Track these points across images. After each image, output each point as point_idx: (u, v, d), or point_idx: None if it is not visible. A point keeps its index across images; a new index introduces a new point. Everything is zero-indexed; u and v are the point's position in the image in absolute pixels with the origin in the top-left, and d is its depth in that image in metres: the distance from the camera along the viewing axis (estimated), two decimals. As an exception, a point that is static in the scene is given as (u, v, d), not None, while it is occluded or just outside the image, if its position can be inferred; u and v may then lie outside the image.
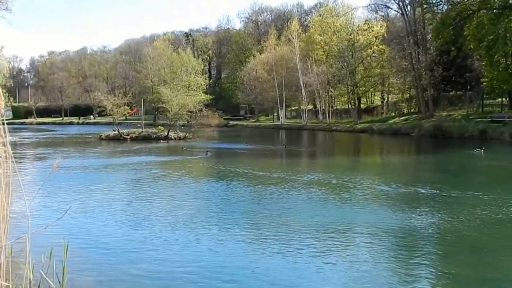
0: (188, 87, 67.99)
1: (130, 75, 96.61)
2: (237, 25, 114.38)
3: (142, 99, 65.86)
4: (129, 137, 41.76)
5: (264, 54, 77.13)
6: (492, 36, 42.00)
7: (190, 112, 43.55)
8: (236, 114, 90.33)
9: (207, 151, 28.39)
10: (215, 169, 20.94)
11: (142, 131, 43.61)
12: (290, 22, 75.59)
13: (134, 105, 74.42)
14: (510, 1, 42.25)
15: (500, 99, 47.99)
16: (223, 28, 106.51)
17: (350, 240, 9.25)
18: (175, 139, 41.56)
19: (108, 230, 10.03)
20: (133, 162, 23.57)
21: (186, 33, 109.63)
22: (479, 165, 23.40)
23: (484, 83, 44.91)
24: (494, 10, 41.62)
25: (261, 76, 76.32)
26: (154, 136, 42.36)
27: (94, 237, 9.53)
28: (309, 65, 64.61)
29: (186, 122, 46.01)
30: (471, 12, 42.73)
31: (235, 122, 78.83)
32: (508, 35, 42.27)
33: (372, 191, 14.60)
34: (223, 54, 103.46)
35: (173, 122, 44.02)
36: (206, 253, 8.38)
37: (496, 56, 43.90)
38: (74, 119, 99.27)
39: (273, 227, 10.08)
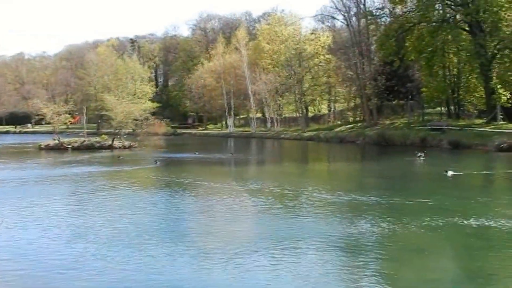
0: (134, 94, 66.54)
1: (72, 82, 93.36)
2: (185, 32, 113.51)
3: (85, 107, 63.71)
4: (70, 146, 40.05)
5: (212, 61, 76.82)
6: (431, 48, 43.77)
7: (136, 120, 42.50)
8: (184, 123, 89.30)
9: (156, 161, 27.69)
10: (163, 180, 20.44)
11: (85, 140, 42.07)
12: (238, 30, 75.71)
13: (76, 113, 71.96)
14: (448, 15, 44.19)
15: (439, 108, 49.97)
16: (170, 35, 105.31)
17: (296, 250, 9.14)
18: (120, 148, 40.42)
19: (40, 246, 9.46)
20: (74, 173, 22.65)
21: (131, 39, 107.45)
22: (420, 171, 24.10)
23: (424, 93, 46.70)
24: (433, 23, 43.34)
25: (209, 84, 75.93)
26: (98, 145, 40.96)
27: (22, 252, 8.96)
28: (258, 73, 64.90)
29: (131, 131, 44.87)
30: (412, 24, 44.29)
31: (182, 131, 77.87)
32: (446, 47, 44.19)
33: (319, 200, 14.61)
34: (170, 61, 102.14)
35: (117, 130, 42.81)
36: (144, 270, 8.00)
37: (435, 67, 45.77)
38: (10, 128, 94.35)
39: (217, 241, 9.82)
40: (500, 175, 22.79)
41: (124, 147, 40.66)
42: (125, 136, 43.52)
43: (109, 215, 12.63)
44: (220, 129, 79.46)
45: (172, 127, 75.75)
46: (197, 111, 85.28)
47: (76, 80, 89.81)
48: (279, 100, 67.43)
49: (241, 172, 24.96)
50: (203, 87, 76.07)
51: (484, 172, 23.61)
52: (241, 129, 75.10)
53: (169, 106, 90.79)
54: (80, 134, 47.93)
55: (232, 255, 8.73)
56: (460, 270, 8.33)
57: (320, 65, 64.98)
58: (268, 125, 69.16)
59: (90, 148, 40.06)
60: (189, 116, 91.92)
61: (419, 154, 27.63)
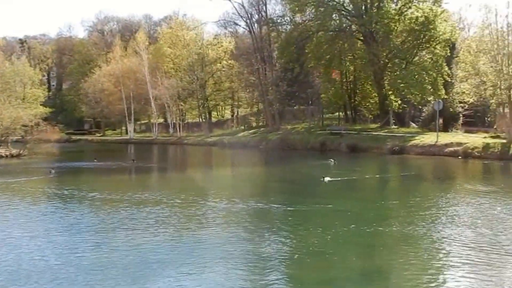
0: (23, 99, 61.80)
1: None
2: (81, 33, 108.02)
3: (-33, 112, 58.10)
4: None
5: (111, 65, 73.71)
6: (329, 56, 45.57)
7: (25, 126, 39.25)
8: (80, 128, 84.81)
9: (51, 170, 25.47)
10: (57, 192, 18.74)
11: (-34, 149, 38.03)
12: (138, 33, 73.34)
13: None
14: (344, 25, 46.24)
15: (337, 113, 52.10)
16: (64, 35, 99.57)
17: (197, 266, 8.66)
18: (7, 156, 37.02)
19: None
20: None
21: (20, 39, 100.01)
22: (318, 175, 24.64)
23: (323, 99, 48.47)
24: (331, 32, 45.14)
25: (108, 88, 72.57)
26: (-20, 155, 37.17)
27: None
28: (159, 78, 63.33)
29: (20, 138, 41.38)
30: (311, 33, 45.77)
31: (78, 137, 73.86)
32: (342, 55, 46.26)
33: (222, 208, 14.24)
34: (64, 64, 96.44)
35: (4, 137, 39.17)
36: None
37: (332, 74, 47.71)
38: None
39: (105, 263, 8.92)
40: (395, 178, 24.07)
41: (12, 156, 37.30)
42: (10, 144, 39.93)
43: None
44: (119, 135, 76.47)
45: (67, 133, 71.77)
46: (94, 117, 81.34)
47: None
48: (182, 105, 66.39)
49: (142, 181, 23.95)
50: (101, 92, 72.53)
51: (381, 175, 24.78)
52: (142, 135, 72.91)
53: (64, 111, 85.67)
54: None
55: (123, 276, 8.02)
56: (357, 269, 8.76)
57: (223, 70, 65.03)
58: (171, 130, 67.74)
59: (-31, 158, 36.17)
60: (85, 121, 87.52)
61: (330, 160, 28.27)
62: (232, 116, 74.33)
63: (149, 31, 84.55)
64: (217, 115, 77.45)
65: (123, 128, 77.40)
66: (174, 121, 67.40)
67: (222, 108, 77.03)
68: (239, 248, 9.82)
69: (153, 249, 9.69)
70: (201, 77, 62.40)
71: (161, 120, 75.41)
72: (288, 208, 14.06)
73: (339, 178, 20.73)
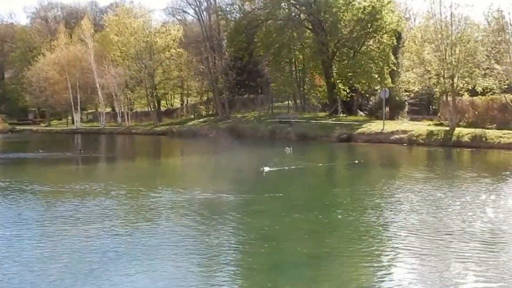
0: (-39, 88, 58.80)
1: None
2: (23, 20, 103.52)
3: None
4: None
5: (55, 53, 70.96)
6: (278, 44, 45.79)
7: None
8: (24, 118, 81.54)
9: None
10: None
11: None
12: (83, 21, 70.85)
13: None
14: (293, 14, 46.54)
15: (287, 102, 52.55)
16: (5, 22, 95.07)
17: (145, 257, 8.53)
18: None
19: None
20: None
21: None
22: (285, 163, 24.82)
23: (273, 87, 48.74)
24: (280, 21, 45.33)
25: (52, 77, 69.87)
26: None
27: None
28: (106, 66, 61.62)
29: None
30: (260, 21, 45.84)
31: (22, 127, 70.96)
32: (291, 44, 46.58)
33: (171, 199, 14.06)
34: (6, 52, 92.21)
35: None
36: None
37: (282, 63, 48.02)
38: None
39: (49, 258, 8.67)
40: (343, 166, 24.59)
41: None
42: None
43: None
44: (65, 125, 74.09)
45: (10, 124, 69.04)
46: (39, 106, 78.41)
47: None
48: (130, 94, 64.99)
49: (89, 171, 23.34)
50: (45, 80, 69.81)
51: (329, 164, 25.24)
52: (89, 124, 70.96)
53: (6, 100, 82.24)
54: None
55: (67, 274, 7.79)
56: (304, 254, 8.92)
57: (172, 59, 63.98)
58: (119, 120, 66.26)
59: None
60: (30, 111, 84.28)
61: (287, 148, 28.42)
62: (182, 105, 73.50)
63: (95, 18, 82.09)
64: (166, 104, 76.41)
65: (69, 117, 75.00)
66: (122, 110, 65.98)
67: (171, 97, 76.07)
68: (186, 238, 9.77)
69: (98, 241, 9.47)
70: (149, 65, 61.17)
71: (109, 109, 73.63)
72: (237, 197, 14.06)
73: (286, 167, 20.60)
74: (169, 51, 63.22)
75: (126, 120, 64.60)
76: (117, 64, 63.21)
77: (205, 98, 65.28)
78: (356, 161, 24.42)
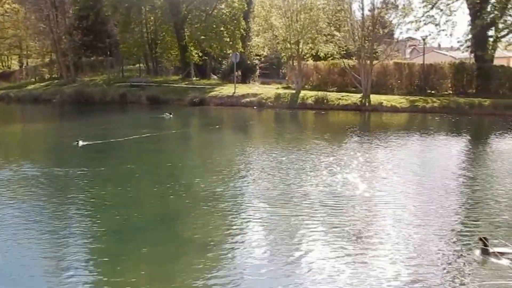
0: None
1: None
2: None
3: None
4: None
5: None
6: (127, 4, 43.46)
7: None
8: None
9: None
10: None
11: None
12: None
13: None
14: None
15: (138, 65, 50.52)
16: None
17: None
18: None
19: None
20: None
21: None
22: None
23: (122, 49, 46.40)
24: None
25: None
26: None
27: None
28: None
29: None
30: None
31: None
32: (141, 4, 44.51)
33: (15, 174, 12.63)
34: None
35: None
36: None
37: (132, 24, 45.79)
38: None
39: None
40: (193, 131, 24.49)
41: None
42: None
43: None
44: None
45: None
46: None
47: None
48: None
49: None
50: None
51: (181, 130, 24.91)
52: None
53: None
54: None
55: None
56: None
57: (7, 15, 57.25)
58: None
59: None
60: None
61: (166, 113, 27.58)
62: (21, 67, 66.59)
63: None
64: (2, 66, 68.81)
65: None
66: None
67: (8, 58, 68.66)
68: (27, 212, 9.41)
69: None
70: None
71: None
72: (92, 170, 13.13)
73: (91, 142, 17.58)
74: (2, 7, 56.44)
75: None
76: None
77: (48, 59, 59.81)
78: (204, 125, 24.51)
